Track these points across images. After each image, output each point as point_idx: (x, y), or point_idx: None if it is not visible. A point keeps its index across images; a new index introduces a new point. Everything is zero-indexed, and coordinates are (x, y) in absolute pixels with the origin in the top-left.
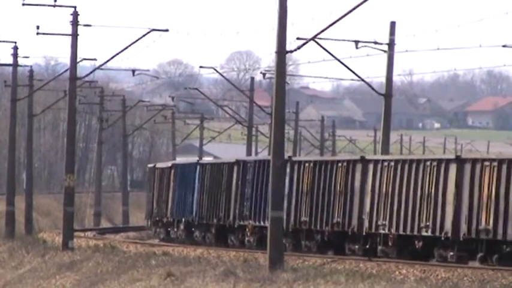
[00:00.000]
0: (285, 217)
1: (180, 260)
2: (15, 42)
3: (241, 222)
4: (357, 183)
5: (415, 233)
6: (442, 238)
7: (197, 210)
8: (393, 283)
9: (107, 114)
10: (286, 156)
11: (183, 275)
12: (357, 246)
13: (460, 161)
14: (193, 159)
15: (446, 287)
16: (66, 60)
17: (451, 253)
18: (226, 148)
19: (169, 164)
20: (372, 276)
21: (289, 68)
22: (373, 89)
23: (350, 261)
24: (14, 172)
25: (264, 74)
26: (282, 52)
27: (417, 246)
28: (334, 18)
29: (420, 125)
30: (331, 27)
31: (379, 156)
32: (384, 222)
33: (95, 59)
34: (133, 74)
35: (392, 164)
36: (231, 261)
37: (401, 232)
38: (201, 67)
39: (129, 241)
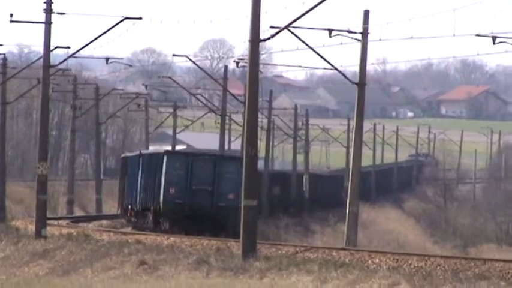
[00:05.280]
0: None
1: (153, 248)
2: None
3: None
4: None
5: None
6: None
7: (138, 198)
8: (366, 272)
9: (80, 102)
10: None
11: (156, 263)
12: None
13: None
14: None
15: (419, 276)
16: (40, 48)
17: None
18: (200, 137)
19: (123, 155)
20: (344, 265)
21: (263, 57)
22: (346, 77)
23: (323, 250)
24: None
25: (237, 63)
26: (255, 41)
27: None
28: (307, 6)
29: (394, 113)
30: (304, 16)
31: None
32: None
33: (68, 47)
34: (107, 62)
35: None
36: (204, 249)
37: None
38: (174, 55)
39: (102, 229)
